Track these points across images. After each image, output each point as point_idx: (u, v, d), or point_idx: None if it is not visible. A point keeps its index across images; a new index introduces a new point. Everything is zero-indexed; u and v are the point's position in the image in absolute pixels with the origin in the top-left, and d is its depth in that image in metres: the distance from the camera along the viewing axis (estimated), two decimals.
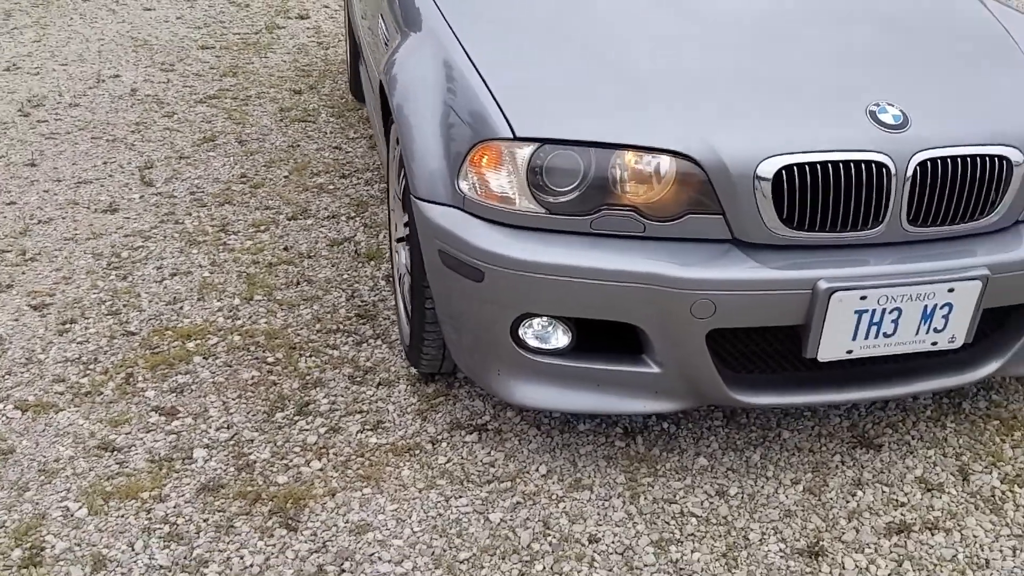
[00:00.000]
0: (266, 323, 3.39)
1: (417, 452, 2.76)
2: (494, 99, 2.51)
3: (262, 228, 4.09)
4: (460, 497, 2.60)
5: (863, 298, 2.39)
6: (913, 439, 2.86)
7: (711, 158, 2.37)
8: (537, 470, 2.70)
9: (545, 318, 2.51)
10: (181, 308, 3.48)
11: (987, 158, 2.46)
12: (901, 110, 2.47)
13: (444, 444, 2.80)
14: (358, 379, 3.08)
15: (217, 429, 2.85)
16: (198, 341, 3.27)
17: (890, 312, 2.44)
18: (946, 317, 2.48)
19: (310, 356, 3.20)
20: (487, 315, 2.52)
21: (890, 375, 2.63)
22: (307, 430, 2.85)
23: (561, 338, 2.54)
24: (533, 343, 2.55)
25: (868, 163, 2.40)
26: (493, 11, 2.96)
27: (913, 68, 2.70)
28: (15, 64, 6.22)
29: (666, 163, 2.38)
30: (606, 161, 2.39)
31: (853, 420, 2.93)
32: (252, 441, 2.80)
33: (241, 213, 4.23)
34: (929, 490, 2.66)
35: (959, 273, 2.44)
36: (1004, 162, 2.48)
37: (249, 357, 3.19)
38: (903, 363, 2.67)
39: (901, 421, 2.92)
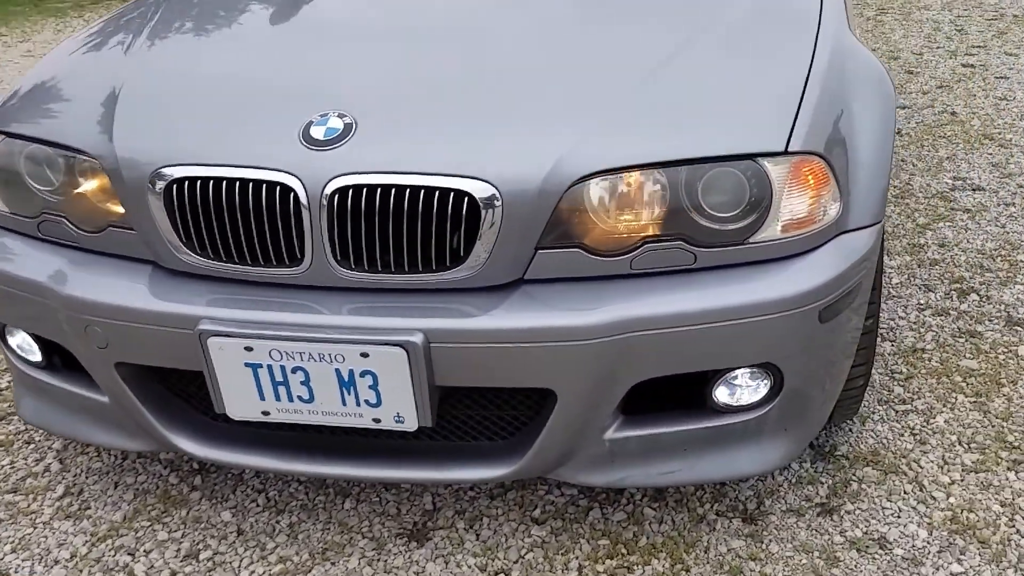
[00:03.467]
0: None
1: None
2: (14, 95, 2.31)
3: None
4: None
5: (248, 349, 1.89)
6: (477, 538, 2.21)
7: (111, 161, 2.00)
8: (56, 492, 2.44)
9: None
10: None
11: (436, 192, 1.83)
12: (349, 122, 1.91)
13: (28, 447, 2.62)
14: None
15: None
16: None
17: (293, 372, 1.90)
18: (374, 389, 1.89)
19: None
20: None
21: (329, 451, 2.07)
22: None
23: (36, 350, 2.28)
24: (20, 353, 2.31)
25: (273, 185, 1.88)
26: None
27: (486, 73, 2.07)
28: None
29: (62, 162, 2.06)
30: (41, 158, 2.10)
31: (443, 503, 2.32)
32: None
33: None
34: None
35: (374, 335, 1.84)
36: (467, 200, 1.83)
37: None
38: (385, 440, 2.08)
39: (493, 516, 2.27)
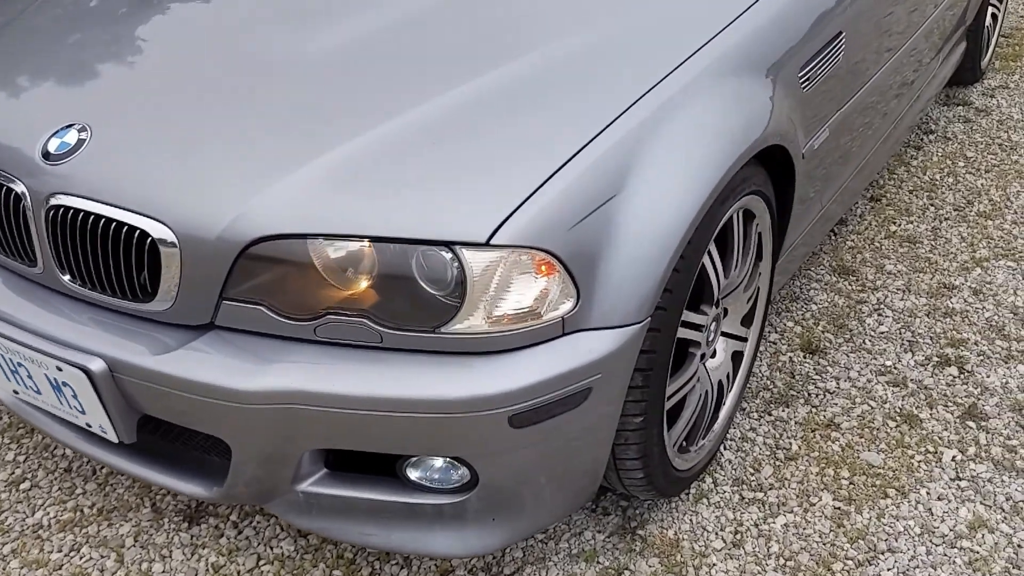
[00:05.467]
0: None
1: None
2: None
3: None
4: None
5: None
6: (237, 536, 2.23)
7: None
8: None
9: None
10: None
11: (123, 227, 1.80)
12: (83, 139, 1.89)
13: None
14: None
15: None
16: None
17: (20, 365, 1.98)
18: (77, 399, 1.94)
19: None
20: None
21: None
22: None
23: None
24: None
25: (9, 190, 1.93)
26: None
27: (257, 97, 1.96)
28: None
29: None
30: None
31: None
32: None
33: None
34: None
35: (62, 352, 1.88)
36: (147, 238, 1.79)
37: None
38: None
39: (270, 516, 2.29)
